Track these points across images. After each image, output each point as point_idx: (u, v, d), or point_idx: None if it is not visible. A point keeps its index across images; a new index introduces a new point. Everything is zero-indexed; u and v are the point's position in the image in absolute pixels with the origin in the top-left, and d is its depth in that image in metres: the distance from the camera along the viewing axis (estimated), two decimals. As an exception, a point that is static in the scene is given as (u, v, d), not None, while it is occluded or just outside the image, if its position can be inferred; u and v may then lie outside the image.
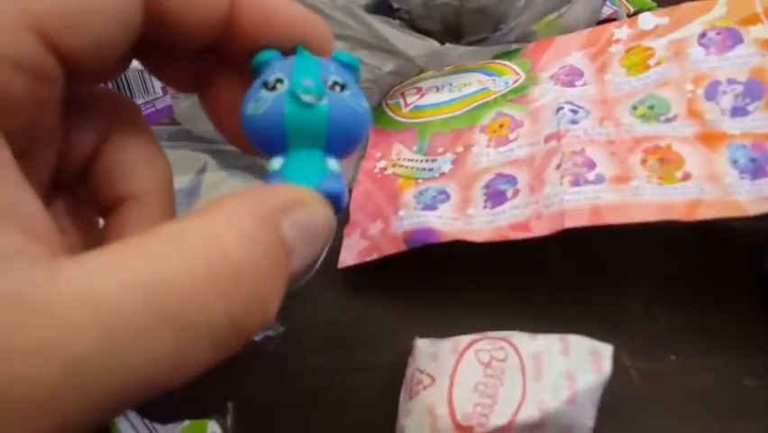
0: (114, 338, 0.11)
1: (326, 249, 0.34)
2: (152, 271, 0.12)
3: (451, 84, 0.40)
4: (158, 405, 0.28)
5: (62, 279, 0.11)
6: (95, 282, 0.11)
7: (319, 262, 0.33)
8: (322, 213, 0.16)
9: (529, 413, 0.24)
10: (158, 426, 0.27)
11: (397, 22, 0.43)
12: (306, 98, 0.16)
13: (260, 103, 0.17)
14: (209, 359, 0.12)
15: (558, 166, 0.31)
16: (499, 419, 0.24)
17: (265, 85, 0.17)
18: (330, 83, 0.17)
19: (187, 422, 0.27)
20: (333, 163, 0.17)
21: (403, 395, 0.27)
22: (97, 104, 0.18)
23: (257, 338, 0.29)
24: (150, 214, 0.18)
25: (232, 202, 0.14)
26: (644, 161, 0.30)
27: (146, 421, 0.28)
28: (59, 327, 0.11)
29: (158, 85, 0.35)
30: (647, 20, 0.37)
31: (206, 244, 0.12)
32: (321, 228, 0.15)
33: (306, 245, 0.15)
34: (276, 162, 0.17)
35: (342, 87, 0.17)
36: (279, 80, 0.17)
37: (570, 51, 0.38)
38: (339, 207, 0.17)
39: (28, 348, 0.10)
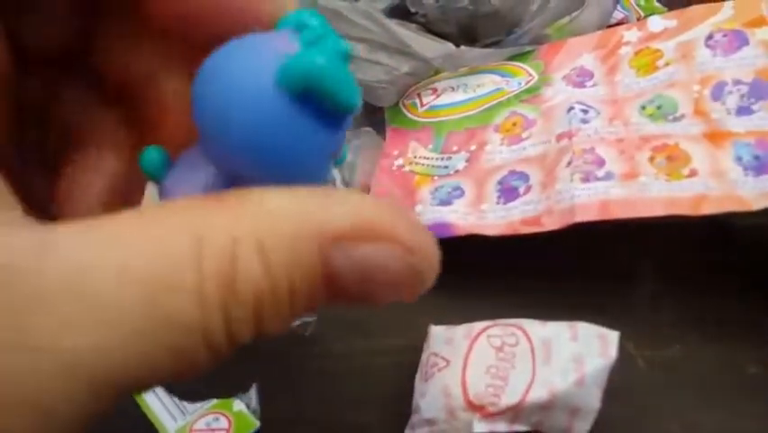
0: (111, 338, 0.10)
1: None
2: (157, 267, 0.11)
3: (466, 85, 0.42)
4: (186, 385, 0.30)
5: (52, 259, 0.10)
6: (91, 271, 0.10)
7: None
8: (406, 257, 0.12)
9: (538, 394, 0.25)
10: (187, 404, 0.29)
11: (414, 25, 0.45)
12: None
13: None
14: (203, 364, 0.12)
15: (569, 163, 0.33)
16: (510, 399, 0.25)
17: None
18: None
19: (214, 401, 0.29)
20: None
21: (419, 377, 0.28)
22: None
23: (294, 324, 0.31)
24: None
25: (270, 202, 0.12)
26: (651, 159, 0.32)
27: (175, 400, 0.29)
28: (49, 320, 0.10)
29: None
30: (656, 22, 0.38)
31: (222, 251, 0.11)
32: (394, 274, 0.12)
33: (361, 287, 0.12)
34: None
35: None
36: None
37: (581, 53, 0.39)
38: None
39: (13, 343, 0.10)
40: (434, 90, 0.43)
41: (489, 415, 0.25)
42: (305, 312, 0.12)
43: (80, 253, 0.10)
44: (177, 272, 0.11)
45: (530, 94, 0.39)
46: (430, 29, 0.45)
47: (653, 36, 0.37)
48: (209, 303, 0.11)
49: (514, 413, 0.25)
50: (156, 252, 0.11)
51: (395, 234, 0.12)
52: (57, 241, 0.10)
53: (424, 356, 0.29)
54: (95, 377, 0.10)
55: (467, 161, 0.37)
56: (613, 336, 0.26)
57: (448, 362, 0.27)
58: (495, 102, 0.40)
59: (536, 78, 0.40)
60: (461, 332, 0.28)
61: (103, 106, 0.16)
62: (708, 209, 0.29)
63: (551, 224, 0.31)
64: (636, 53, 0.37)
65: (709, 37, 0.35)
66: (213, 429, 0.28)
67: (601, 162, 0.32)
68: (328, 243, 0.12)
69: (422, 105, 0.42)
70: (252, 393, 0.29)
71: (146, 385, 0.11)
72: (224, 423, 0.28)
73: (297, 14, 0.12)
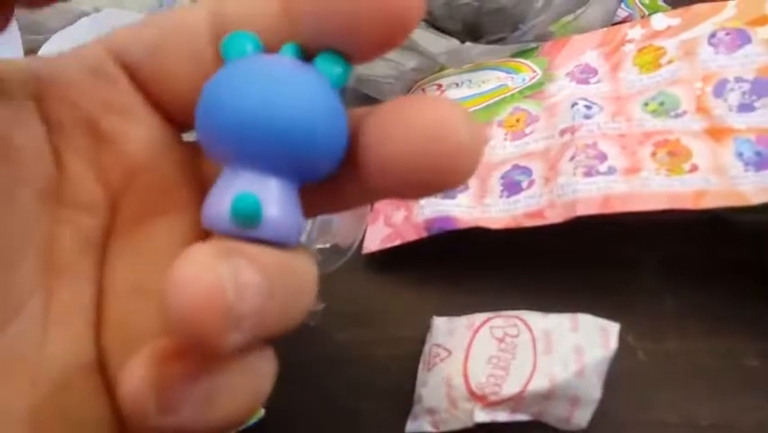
0: None
1: (360, 236, 0.36)
2: None
3: (470, 81, 0.42)
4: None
5: None
6: None
7: (354, 248, 0.35)
8: None
9: (539, 384, 0.26)
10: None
11: (420, 21, 0.45)
12: None
13: None
14: None
15: (572, 158, 0.33)
16: (511, 388, 0.26)
17: None
18: None
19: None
20: None
21: (421, 367, 0.29)
22: None
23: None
24: None
25: None
26: (653, 154, 0.32)
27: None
28: None
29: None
30: (659, 20, 0.38)
31: None
32: None
33: None
34: None
35: None
36: None
37: (585, 50, 0.40)
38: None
39: None
40: (439, 86, 0.43)
41: (491, 404, 0.26)
42: None
43: None
44: None
45: (534, 90, 0.39)
46: (436, 25, 0.45)
47: (657, 34, 0.38)
48: None
49: (515, 402, 0.26)
50: None
51: None
52: None
53: (426, 347, 0.29)
54: None
55: (471, 155, 0.37)
56: (613, 328, 0.27)
57: (450, 352, 0.28)
58: (499, 98, 0.40)
59: (540, 74, 0.40)
60: (464, 323, 0.29)
61: None
62: (708, 204, 0.29)
63: (553, 217, 0.32)
64: (640, 51, 0.37)
65: (712, 35, 0.35)
66: (219, 416, 0.28)
67: (603, 157, 0.33)
68: None
69: (427, 100, 0.43)
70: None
71: None
72: (229, 410, 0.29)
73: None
